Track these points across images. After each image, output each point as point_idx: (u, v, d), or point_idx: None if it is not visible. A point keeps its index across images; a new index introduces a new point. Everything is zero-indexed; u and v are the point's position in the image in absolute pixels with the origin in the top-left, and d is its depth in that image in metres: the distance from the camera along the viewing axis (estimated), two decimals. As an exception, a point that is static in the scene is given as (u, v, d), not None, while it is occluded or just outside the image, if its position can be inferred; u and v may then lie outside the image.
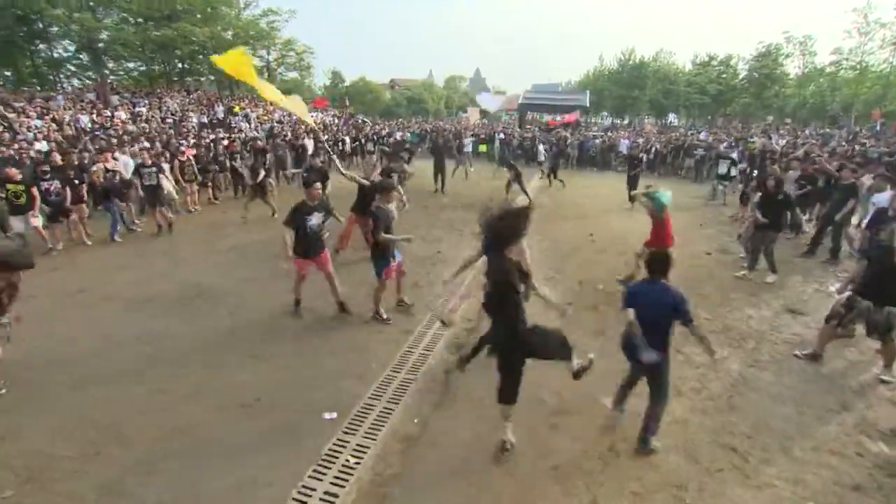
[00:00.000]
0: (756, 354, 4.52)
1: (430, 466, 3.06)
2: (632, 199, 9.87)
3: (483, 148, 21.18)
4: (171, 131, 16.48)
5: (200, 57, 28.34)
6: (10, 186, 6.33)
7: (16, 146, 11.15)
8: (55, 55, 25.19)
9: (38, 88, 24.31)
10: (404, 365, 4.25)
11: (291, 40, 29.47)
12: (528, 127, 25.78)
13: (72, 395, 3.76)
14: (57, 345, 4.53)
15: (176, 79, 29.33)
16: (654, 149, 17.22)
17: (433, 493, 2.87)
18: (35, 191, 6.57)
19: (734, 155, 12.29)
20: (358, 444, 3.23)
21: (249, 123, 22.35)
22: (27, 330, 4.87)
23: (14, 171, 6.60)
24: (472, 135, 21.95)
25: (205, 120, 20.70)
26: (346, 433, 3.34)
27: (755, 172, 11.07)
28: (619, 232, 8.74)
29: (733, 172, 11.79)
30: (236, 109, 23.11)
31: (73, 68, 26.43)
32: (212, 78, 29.55)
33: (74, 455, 3.08)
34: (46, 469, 2.98)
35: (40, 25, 22.65)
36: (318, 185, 5.22)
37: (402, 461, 3.10)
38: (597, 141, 18.82)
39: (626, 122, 41.67)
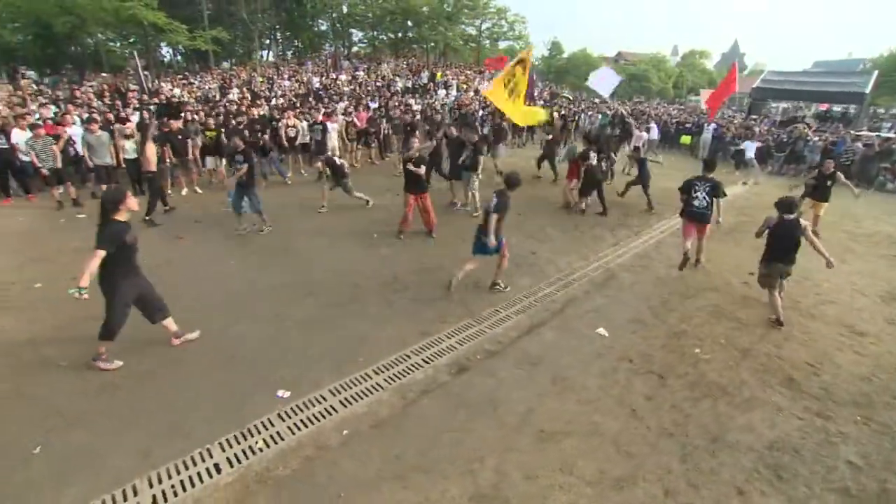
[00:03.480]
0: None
1: (316, 480, 2.84)
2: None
3: (685, 140, 17.56)
4: (379, 94, 18.93)
5: (426, 26, 31.26)
6: (207, 133, 8.38)
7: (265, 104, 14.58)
8: (323, 28, 31.63)
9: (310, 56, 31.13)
10: (389, 369, 3.99)
11: (502, 9, 29.51)
12: (754, 118, 20.01)
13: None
14: (161, 265, 5.75)
15: (404, 47, 33.18)
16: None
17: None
18: (223, 138, 8.51)
19: None
20: (278, 432, 3.22)
21: (447, 91, 23.76)
22: (168, 249, 6.43)
23: (211, 122, 8.67)
24: (678, 122, 18.41)
25: (409, 85, 22.95)
26: (280, 417, 3.37)
27: None
28: (801, 280, 6.16)
29: None
30: (438, 76, 24.83)
31: (331, 38, 32.70)
32: (432, 45, 32.37)
33: (69, 362, 3.88)
34: (42, 368, 3.80)
35: (309, 6, 28.65)
36: None
37: (299, 467, 2.96)
38: (858, 144, 13.30)
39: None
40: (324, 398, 3.59)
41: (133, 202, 3.67)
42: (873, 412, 3.71)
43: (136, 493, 2.72)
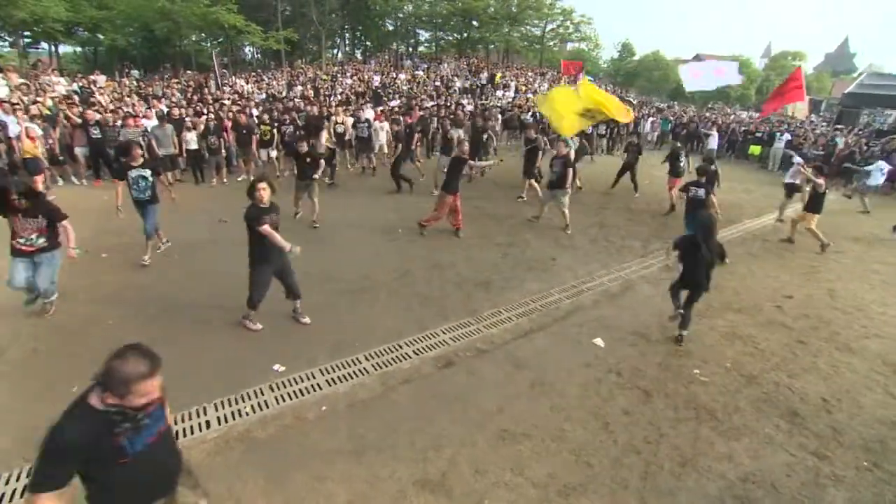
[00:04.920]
0: None
1: (286, 446, 3.14)
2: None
3: (755, 150, 16.19)
4: (437, 93, 19.35)
5: (490, 26, 31.30)
6: (262, 127, 9.17)
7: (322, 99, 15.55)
8: (390, 29, 32.76)
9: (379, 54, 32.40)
10: (379, 357, 4.23)
11: (568, 10, 28.81)
12: (840, 128, 17.87)
13: (157, 282, 5.42)
14: (206, 244, 6.50)
15: (468, 48, 33.43)
16: None
17: (268, 462, 2.98)
18: (274, 131, 9.27)
19: None
20: (265, 401, 3.58)
21: (504, 92, 23.67)
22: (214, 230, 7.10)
23: (265, 117, 9.46)
24: (746, 131, 17.00)
25: (467, 85, 23.16)
26: (270, 388, 3.72)
27: None
28: (852, 311, 5.61)
29: None
30: (497, 77, 24.80)
31: (397, 38, 33.76)
32: (493, 46, 32.36)
33: (114, 321, 4.53)
34: (93, 324, 4.48)
35: (376, 7, 29.86)
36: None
37: (275, 432, 3.29)
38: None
39: None
40: (313, 376, 3.91)
41: (265, 195, 4.27)
42: (884, 459, 3.37)
43: (138, 436, 3.18)
